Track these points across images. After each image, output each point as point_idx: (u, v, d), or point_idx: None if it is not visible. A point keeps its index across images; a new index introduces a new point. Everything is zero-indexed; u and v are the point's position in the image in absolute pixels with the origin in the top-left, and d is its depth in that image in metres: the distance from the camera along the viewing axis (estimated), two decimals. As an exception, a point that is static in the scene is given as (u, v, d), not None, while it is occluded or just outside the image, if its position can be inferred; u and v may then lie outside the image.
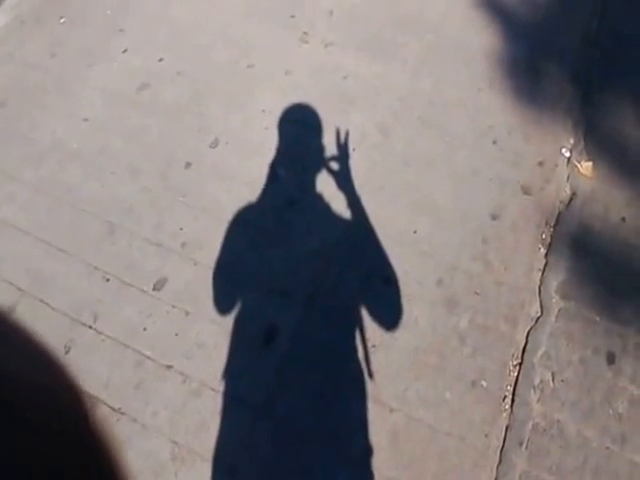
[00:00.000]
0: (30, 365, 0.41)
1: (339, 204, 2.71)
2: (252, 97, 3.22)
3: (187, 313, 2.50)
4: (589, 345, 2.21)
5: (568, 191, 2.65)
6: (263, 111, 3.14)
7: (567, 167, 2.74)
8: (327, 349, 2.34)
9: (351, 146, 2.89)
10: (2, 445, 0.33)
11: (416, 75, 3.21)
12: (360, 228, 2.64)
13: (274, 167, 2.91)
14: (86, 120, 3.23)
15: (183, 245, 2.71)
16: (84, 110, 3.28)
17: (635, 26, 3.27)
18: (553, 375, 2.16)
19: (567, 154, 2.78)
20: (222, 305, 2.51)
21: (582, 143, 2.81)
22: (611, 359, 2.17)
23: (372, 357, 2.29)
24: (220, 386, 2.29)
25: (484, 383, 2.19)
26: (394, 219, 2.66)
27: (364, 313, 2.39)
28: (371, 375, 2.26)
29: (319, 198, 2.76)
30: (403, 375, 2.25)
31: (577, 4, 3.44)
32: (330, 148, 2.91)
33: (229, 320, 2.46)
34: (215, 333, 2.42)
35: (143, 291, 2.57)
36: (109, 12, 3.82)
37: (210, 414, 2.23)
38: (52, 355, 0.43)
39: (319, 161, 2.89)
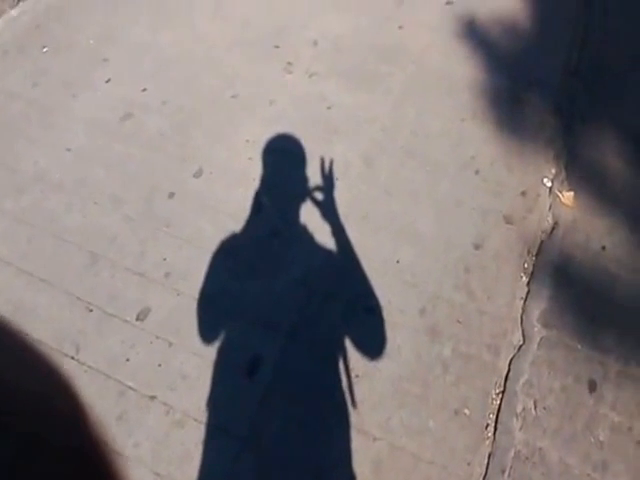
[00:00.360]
0: (29, 374, 0.41)
1: (323, 234, 2.80)
2: (236, 127, 3.33)
3: (170, 344, 2.54)
4: (571, 373, 2.30)
5: (550, 220, 2.77)
6: (247, 141, 3.24)
7: (549, 197, 2.86)
8: (311, 379, 2.40)
9: (335, 176, 2.98)
10: None
11: (399, 105, 3.34)
12: (343, 258, 2.73)
13: (258, 197, 3.00)
14: (69, 150, 3.31)
15: (166, 275, 2.77)
16: (67, 140, 3.36)
17: (615, 57, 3.43)
18: (535, 403, 2.25)
19: (549, 184, 2.90)
20: (205, 336, 2.56)
21: (564, 173, 2.93)
22: (592, 387, 2.26)
23: (356, 386, 2.35)
24: (203, 417, 2.33)
25: (467, 411, 2.27)
26: (377, 248, 2.75)
27: (347, 343, 2.46)
28: (354, 405, 2.31)
29: (303, 228, 2.85)
30: (386, 404, 2.31)
31: (558, 35, 3.61)
32: (314, 178, 3.01)
33: (212, 351, 2.51)
34: (198, 364, 2.47)
35: (126, 321, 2.62)
36: (92, 42, 3.93)
37: (193, 445, 2.26)
38: (52, 364, 0.44)
39: (303, 191, 2.98)
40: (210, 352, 2.51)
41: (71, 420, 0.43)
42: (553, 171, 2.96)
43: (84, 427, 0.44)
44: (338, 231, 2.80)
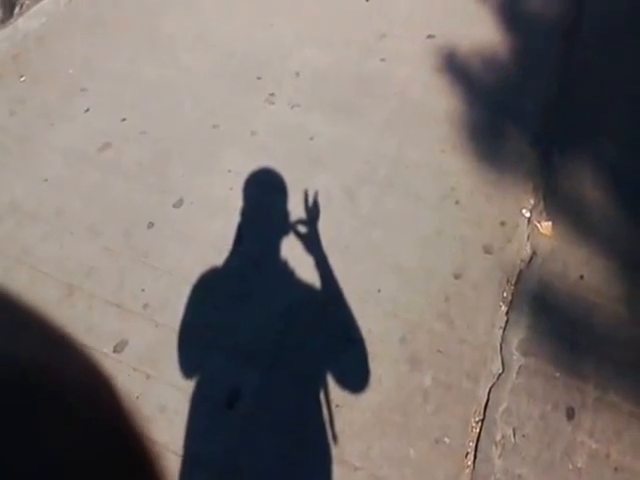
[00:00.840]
0: (66, 361, 0.43)
1: (304, 264, 2.89)
2: (217, 157, 3.45)
3: (148, 376, 2.60)
4: (549, 400, 2.41)
5: (529, 250, 2.90)
6: (229, 171, 3.36)
7: (527, 227, 3.00)
8: (291, 410, 2.47)
9: (317, 206, 3.07)
10: (50, 433, 0.35)
11: (381, 137, 3.49)
12: (325, 288, 2.82)
13: (239, 228, 3.09)
14: (46, 180, 3.40)
15: (145, 306, 2.83)
16: (44, 170, 3.45)
17: (593, 91, 3.62)
18: (514, 431, 2.35)
19: (527, 214, 3.05)
20: (184, 367, 2.61)
21: (542, 204, 3.08)
22: (570, 414, 2.37)
23: (336, 416, 2.42)
24: (182, 450, 2.37)
25: (447, 440, 2.36)
26: (359, 278, 2.85)
27: (328, 374, 2.54)
28: (335, 436, 2.38)
29: (284, 259, 2.94)
30: (367, 433, 2.39)
31: (537, 68, 3.80)
32: (296, 209, 3.11)
33: (191, 383, 2.56)
34: (177, 396, 2.52)
35: (103, 353, 2.65)
36: (71, 71, 4.06)
37: (172, 479, 2.28)
38: (87, 354, 0.45)
39: (284, 222, 3.08)
40: (189, 384, 2.55)
41: (110, 403, 0.45)
42: (532, 202, 3.10)
43: (121, 409, 0.45)
44: (320, 261, 2.88)
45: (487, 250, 2.92)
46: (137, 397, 2.53)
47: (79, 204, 3.28)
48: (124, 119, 3.72)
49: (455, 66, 3.86)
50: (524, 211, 3.07)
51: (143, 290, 2.90)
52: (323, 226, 3.01)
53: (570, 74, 3.75)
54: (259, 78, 3.92)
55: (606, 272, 2.80)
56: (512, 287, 2.78)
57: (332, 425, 2.41)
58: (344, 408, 2.46)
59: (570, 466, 2.26)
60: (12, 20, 4.46)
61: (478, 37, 4.04)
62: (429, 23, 4.20)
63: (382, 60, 3.99)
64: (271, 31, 4.30)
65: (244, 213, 3.17)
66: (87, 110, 3.80)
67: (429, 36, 4.11)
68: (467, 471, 2.29)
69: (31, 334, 0.42)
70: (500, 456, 2.31)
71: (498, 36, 4.05)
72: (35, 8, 4.54)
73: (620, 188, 3.12)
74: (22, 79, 4.03)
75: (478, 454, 2.32)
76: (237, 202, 3.22)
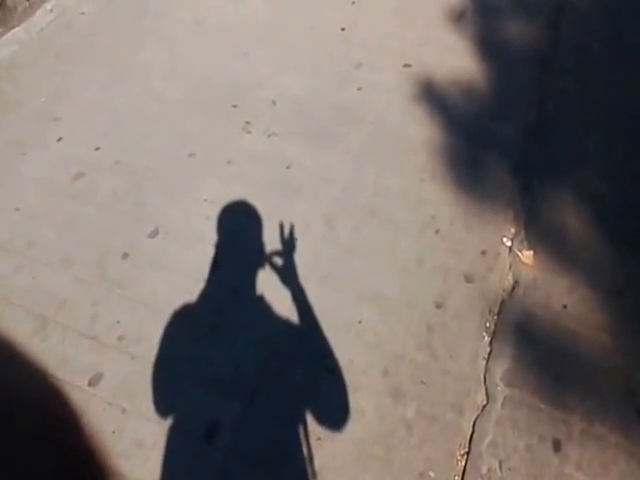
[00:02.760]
0: (19, 378, 0.45)
1: (283, 294, 2.86)
2: (193, 187, 3.43)
3: (124, 410, 2.55)
4: (535, 432, 2.39)
5: (510, 279, 2.90)
6: (205, 201, 3.34)
7: (509, 256, 3.00)
8: (271, 443, 2.43)
9: (295, 236, 3.07)
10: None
11: (359, 165, 3.49)
12: (304, 318, 2.79)
13: (216, 257, 3.07)
14: (18, 210, 3.36)
15: (120, 339, 2.79)
16: (16, 200, 3.41)
17: (572, 118, 3.66)
18: (500, 463, 2.32)
19: (509, 243, 3.05)
20: (161, 401, 2.57)
21: (523, 232, 3.09)
22: (557, 446, 2.35)
23: (318, 450, 2.39)
24: None
25: (432, 474, 2.32)
26: (339, 308, 2.83)
27: (309, 405, 2.51)
28: (314, 473, 2.35)
29: (262, 289, 2.91)
30: (349, 468, 2.35)
31: (516, 96, 3.84)
32: (273, 238, 3.08)
33: (169, 416, 2.52)
34: (154, 430, 2.48)
35: (77, 387, 2.60)
36: (43, 99, 4.03)
37: None
38: (43, 371, 0.47)
39: (262, 251, 3.06)
40: (166, 417, 2.52)
41: (64, 422, 0.47)
42: (512, 230, 3.11)
43: (76, 429, 0.48)
44: (298, 292, 2.87)
45: (468, 279, 2.91)
46: (113, 432, 2.48)
47: (52, 234, 3.24)
48: (98, 148, 3.69)
49: (432, 95, 3.88)
50: (505, 240, 3.07)
51: (118, 322, 2.86)
52: (301, 255, 3.00)
53: (549, 102, 3.79)
54: (235, 106, 3.92)
55: (589, 301, 2.80)
56: (495, 317, 2.77)
57: (311, 460, 2.37)
58: (326, 441, 2.42)
59: (558, 499, 2.25)
60: (-17, 48, 4.42)
61: (455, 66, 4.07)
62: (405, 52, 4.23)
63: (359, 89, 4.00)
64: (246, 60, 4.30)
65: (220, 243, 3.15)
66: (60, 139, 3.77)
67: (405, 65, 4.13)
68: (453, 506, 2.27)
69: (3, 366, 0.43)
70: (486, 490, 2.28)
71: (475, 65, 4.08)
72: (6, 37, 4.52)
73: (601, 216, 3.14)
74: (-7, 108, 3.98)
75: (464, 488, 2.29)
76: (213, 232, 3.20)
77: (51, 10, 4.78)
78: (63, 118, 3.90)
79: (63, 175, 3.54)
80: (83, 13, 4.80)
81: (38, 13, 4.78)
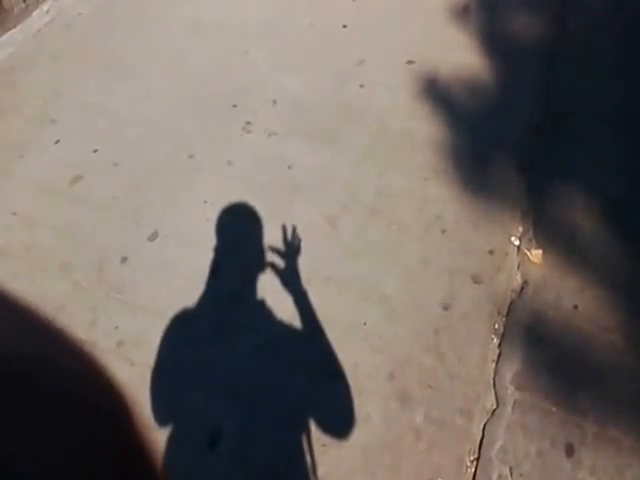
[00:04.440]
0: (56, 351, 0.43)
1: (285, 297, 2.83)
2: (193, 188, 3.39)
3: None
4: (547, 437, 2.35)
5: (519, 279, 2.86)
6: (205, 202, 3.30)
7: (517, 255, 2.96)
8: (275, 451, 2.39)
9: (297, 237, 3.04)
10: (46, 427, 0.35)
11: (362, 164, 3.46)
12: (307, 321, 2.76)
13: (216, 260, 3.03)
14: (15, 214, 3.32)
15: (119, 344, 2.76)
16: (12, 204, 3.37)
17: (579, 114, 3.62)
18: (511, 470, 2.28)
19: (517, 242, 3.01)
20: (161, 408, 2.53)
21: (531, 231, 3.05)
22: (570, 451, 2.30)
23: (323, 457, 2.35)
24: None
25: (441, 481, 2.30)
26: (342, 311, 2.79)
27: (313, 412, 2.47)
28: (320, 478, 2.31)
29: (264, 292, 2.88)
30: (355, 476, 2.32)
31: (521, 92, 3.81)
32: (275, 239, 3.04)
33: (170, 423, 2.48)
34: (155, 439, 2.43)
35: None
36: (40, 102, 3.98)
37: None
38: (80, 345, 0.45)
39: (263, 253, 3.02)
40: (167, 425, 2.48)
41: (106, 399, 0.45)
42: (520, 229, 3.08)
43: (119, 404, 0.45)
44: (301, 294, 2.84)
45: (476, 280, 2.87)
46: None
47: (50, 239, 3.20)
48: (96, 150, 3.65)
49: (436, 91, 3.85)
50: (513, 239, 3.04)
51: (117, 327, 2.83)
52: (304, 257, 2.97)
53: (555, 97, 3.76)
54: (234, 106, 3.88)
55: (601, 301, 2.76)
56: (503, 318, 2.73)
57: (314, 469, 2.34)
58: (331, 447, 2.39)
59: (571, 506, 2.20)
60: (-21, 51, 4.40)
61: (458, 61, 4.04)
62: (408, 48, 4.20)
63: (361, 86, 3.97)
64: (246, 58, 4.26)
65: (221, 245, 3.12)
66: (57, 142, 3.73)
67: (409, 61, 4.10)
68: (463, 514, 2.22)
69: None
70: (498, 497, 2.24)
71: (479, 60, 4.06)
72: (2, 38, 4.48)
73: (611, 213, 3.11)
74: (-11, 110, 3.95)
75: (474, 496, 2.25)
76: (214, 234, 3.17)
77: (48, 11, 4.75)
78: (60, 120, 3.86)
79: (61, 178, 3.50)
80: (80, 14, 4.76)
81: (35, 14, 4.74)
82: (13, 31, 4.58)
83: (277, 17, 4.63)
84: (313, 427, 2.43)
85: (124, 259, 3.09)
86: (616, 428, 2.36)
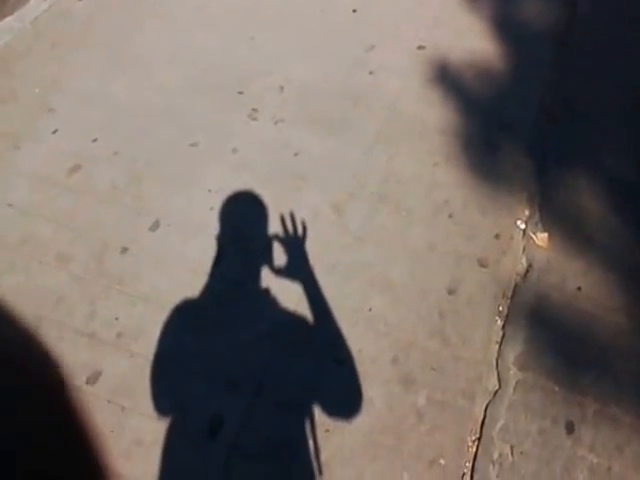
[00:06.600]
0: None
1: (289, 285, 3.02)
2: (196, 177, 3.58)
3: (123, 408, 2.68)
4: (548, 415, 2.57)
5: (524, 263, 3.08)
6: (209, 191, 3.49)
7: (523, 239, 3.19)
8: (277, 437, 2.57)
9: (303, 224, 3.24)
10: None
11: (370, 151, 3.67)
12: (312, 309, 2.94)
13: (220, 249, 3.22)
14: (11, 205, 3.49)
15: (119, 335, 2.93)
16: (9, 195, 3.54)
17: (588, 99, 3.86)
18: (512, 448, 2.49)
19: (522, 226, 3.24)
20: (162, 397, 2.70)
21: (537, 215, 3.28)
22: (570, 428, 2.52)
23: (326, 441, 2.54)
24: None
25: (442, 461, 2.49)
26: (348, 297, 2.99)
27: (317, 398, 2.66)
28: (320, 467, 2.49)
29: (268, 280, 3.06)
30: (358, 458, 2.51)
31: (531, 77, 4.03)
32: (281, 227, 3.23)
33: (170, 413, 2.65)
34: (155, 428, 2.60)
35: (75, 386, 2.69)
36: (37, 90, 4.20)
37: None
38: (28, 329, 0.50)
39: (268, 242, 3.21)
40: (167, 414, 2.64)
41: (47, 380, 0.52)
42: (526, 213, 3.30)
43: (59, 385, 0.52)
44: (306, 281, 3.02)
45: (482, 264, 3.09)
46: (112, 431, 2.61)
47: (47, 230, 3.36)
48: (95, 139, 3.83)
49: (446, 77, 4.07)
50: (519, 223, 3.26)
51: (117, 318, 3.00)
52: (310, 244, 3.16)
53: (565, 82, 3.99)
54: (240, 93, 4.08)
55: (604, 283, 2.98)
56: (508, 301, 2.94)
57: (318, 453, 2.51)
58: (334, 432, 2.56)
59: (571, 482, 2.41)
60: (-26, 39, 4.59)
61: (469, 47, 4.26)
62: (419, 34, 4.42)
63: (371, 73, 4.18)
64: (252, 44, 4.46)
65: (225, 234, 3.29)
66: (55, 131, 3.91)
67: (419, 47, 4.33)
68: (464, 492, 2.42)
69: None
70: (498, 475, 2.44)
71: (490, 45, 4.28)
72: (-2, 26, 4.71)
73: (617, 197, 3.33)
74: (-15, 100, 4.15)
75: (475, 474, 2.45)
76: (217, 223, 3.33)
77: (45, -2, 4.96)
78: (59, 109, 4.06)
79: (59, 168, 3.67)
80: (79, 0, 4.97)
81: (32, 1, 4.93)
82: (10, 18, 4.77)
83: (285, 1, 4.85)
84: (317, 413, 2.60)
85: (124, 249, 3.25)
86: (616, 406, 2.57)
